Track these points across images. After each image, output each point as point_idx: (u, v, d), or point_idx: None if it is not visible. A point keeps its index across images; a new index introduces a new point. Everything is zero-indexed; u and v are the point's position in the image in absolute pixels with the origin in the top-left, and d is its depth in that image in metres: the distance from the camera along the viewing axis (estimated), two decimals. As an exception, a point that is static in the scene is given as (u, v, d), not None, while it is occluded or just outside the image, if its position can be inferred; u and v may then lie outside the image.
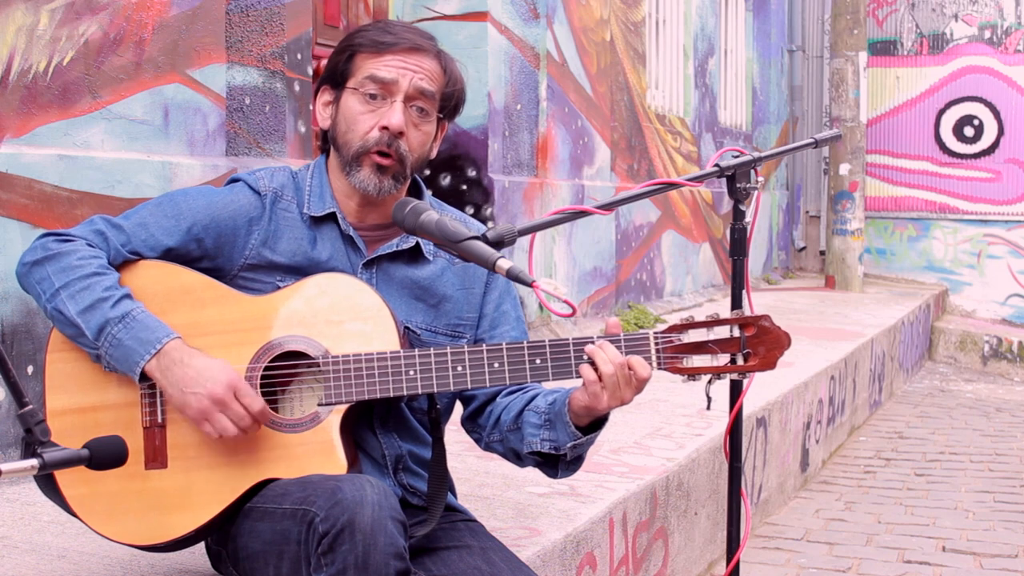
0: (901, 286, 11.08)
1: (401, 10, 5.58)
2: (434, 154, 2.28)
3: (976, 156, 11.27)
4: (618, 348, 2.05)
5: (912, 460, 5.92)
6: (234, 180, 2.24)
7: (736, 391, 2.63)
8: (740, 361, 2.08)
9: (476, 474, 3.25)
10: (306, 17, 4.30)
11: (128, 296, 2.06)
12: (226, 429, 1.99)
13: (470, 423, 2.32)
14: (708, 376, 2.08)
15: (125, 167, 3.44)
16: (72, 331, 2.05)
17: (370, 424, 2.17)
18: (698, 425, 4.10)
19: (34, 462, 1.44)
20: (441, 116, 2.23)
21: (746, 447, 4.29)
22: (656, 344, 2.06)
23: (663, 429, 4.04)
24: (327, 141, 2.25)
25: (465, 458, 3.40)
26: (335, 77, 2.20)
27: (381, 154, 2.15)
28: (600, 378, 2.02)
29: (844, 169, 10.20)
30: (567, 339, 2.07)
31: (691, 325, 2.07)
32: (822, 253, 11.29)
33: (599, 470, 3.40)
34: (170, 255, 2.14)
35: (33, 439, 1.46)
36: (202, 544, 2.25)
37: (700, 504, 3.79)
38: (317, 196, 2.21)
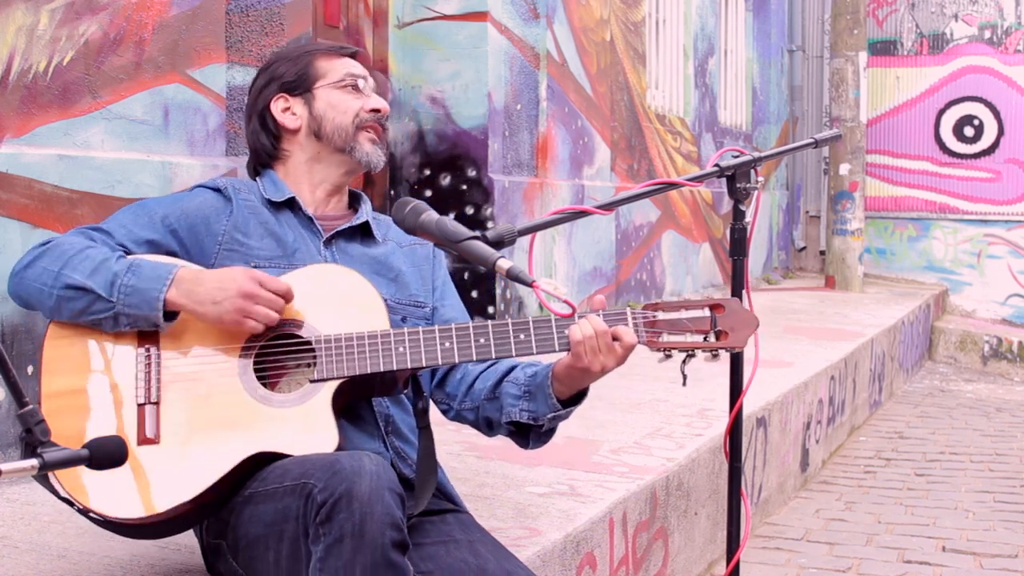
0: (901, 286, 11.08)
1: (401, 10, 5.58)
2: None
3: (976, 156, 11.27)
4: None
5: (912, 460, 5.92)
6: (192, 189, 2.38)
7: (736, 391, 2.63)
8: (712, 339, 2.17)
9: (476, 474, 3.25)
10: (306, 17, 4.30)
11: (123, 255, 2.15)
12: (268, 316, 2.08)
13: (439, 392, 2.38)
14: (683, 354, 2.17)
15: (125, 167, 3.44)
16: (84, 301, 2.09)
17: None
18: (698, 425, 4.10)
19: (34, 462, 1.44)
20: None
21: (746, 447, 4.29)
22: (635, 319, 2.15)
23: (663, 429, 4.04)
24: (264, 156, 2.39)
25: (465, 458, 3.40)
26: (297, 84, 2.36)
27: (374, 129, 2.36)
28: (583, 340, 2.11)
29: (844, 169, 10.20)
30: (549, 316, 2.14)
31: (665, 305, 2.18)
32: (822, 253, 11.28)
33: (599, 470, 3.40)
34: (152, 248, 2.21)
35: (33, 439, 1.46)
36: (200, 544, 2.25)
37: (700, 504, 3.79)
38: (272, 188, 2.35)
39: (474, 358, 2.13)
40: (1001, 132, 11.16)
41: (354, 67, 2.39)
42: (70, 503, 2.06)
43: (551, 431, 2.30)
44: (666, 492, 3.49)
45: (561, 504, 3.01)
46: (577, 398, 2.23)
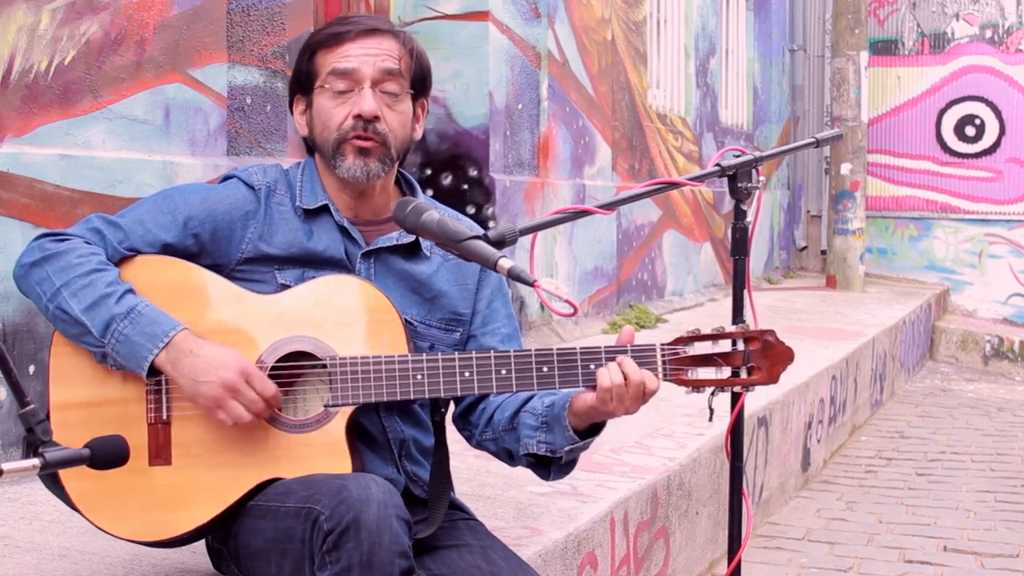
0: (902, 286, 11.07)
1: (402, 10, 5.58)
2: (418, 135, 2.28)
3: (977, 156, 11.27)
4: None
5: (913, 460, 5.92)
6: (228, 177, 2.25)
7: (737, 391, 2.62)
8: (744, 375, 2.09)
9: (477, 474, 3.25)
10: (307, 17, 4.30)
11: (131, 291, 2.05)
12: (240, 416, 1.99)
13: (462, 420, 2.32)
14: (711, 388, 2.10)
15: (126, 167, 3.44)
16: (76, 330, 2.03)
17: (375, 407, 2.17)
18: (699, 425, 4.10)
19: (35, 461, 1.43)
20: (413, 93, 2.22)
21: (747, 447, 4.29)
22: (663, 356, 2.08)
23: (664, 429, 4.04)
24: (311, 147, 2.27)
25: (466, 458, 3.40)
26: (302, 83, 2.21)
27: (360, 138, 2.14)
28: (611, 388, 2.03)
29: (845, 169, 10.20)
30: (574, 348, 2.08)
31: (697, 337, 2.08)
32: (823, 253, 11.28)
33: (600, 470, 3.40)
34: (168, 251, 2.13)
35: (35, 438, 1.46)
36: (203, 543, 2.25)
37: (701, 504, 3.79)
38: (309, 191, 2.21)
39: (494, 391, 2.07)
40: (1002, 132, 11.15)
41: (340, 59, 2.15)
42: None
43: (572, 462, 2.21)
44: (667, 492, 3.49)
45: (562, 503, 3.01)
46: (595, 429, 2.16)
